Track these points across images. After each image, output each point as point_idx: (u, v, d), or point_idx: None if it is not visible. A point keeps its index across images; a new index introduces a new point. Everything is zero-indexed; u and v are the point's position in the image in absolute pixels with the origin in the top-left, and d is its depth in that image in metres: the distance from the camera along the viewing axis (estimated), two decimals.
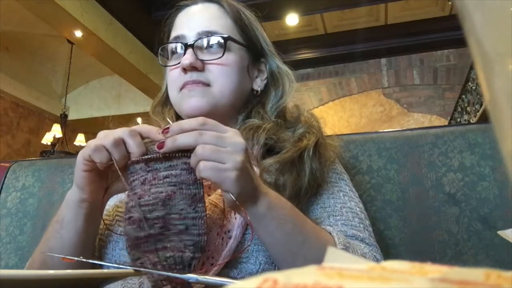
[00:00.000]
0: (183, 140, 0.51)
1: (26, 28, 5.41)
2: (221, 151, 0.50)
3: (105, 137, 0.54)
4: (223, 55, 0.71)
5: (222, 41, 0.71)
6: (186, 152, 0.52)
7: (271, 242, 0.57)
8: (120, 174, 0.53)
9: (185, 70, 0.70)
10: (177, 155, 0.52)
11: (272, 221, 0.55)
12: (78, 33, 4.29)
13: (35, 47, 5.96)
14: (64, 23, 4.11)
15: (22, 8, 3.99)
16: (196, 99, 0.70)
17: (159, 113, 0.79)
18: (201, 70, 0.70)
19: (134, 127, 0.55)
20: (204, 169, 0.49)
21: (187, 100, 0.70)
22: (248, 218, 0.54)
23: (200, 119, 0.52)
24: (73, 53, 5.75)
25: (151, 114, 0.80)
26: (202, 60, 0.70)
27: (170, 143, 0.51)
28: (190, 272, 0.49)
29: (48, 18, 4.05)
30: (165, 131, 0.53)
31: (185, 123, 0.53)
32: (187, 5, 0.78)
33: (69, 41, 5.22)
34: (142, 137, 0.55)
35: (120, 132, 0.54)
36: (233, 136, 0.52)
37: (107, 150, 0.53)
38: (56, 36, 5.15)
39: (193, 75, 0.70)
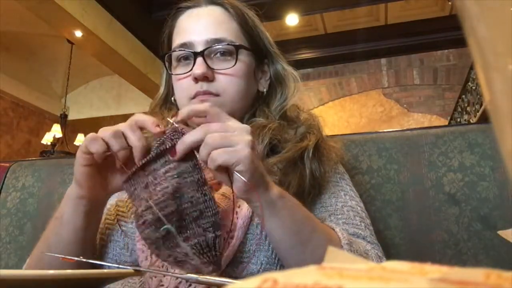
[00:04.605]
0: (191, 138, 0.52)
1: (26, 28, 5.40)
2: (229, 136, 0.51)
3: (104, 130, 0.55)
4: (235, 64, 0.71)
5: (233, 49, 0.71)
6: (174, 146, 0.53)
7: (281, 231, 0.56)
8: (122, 165, 0.55)
9: (196, 79, 0.69)
10: (167, 149, 0.53)
11: (283, 210, 0.55)
12: (78, 33, 4.28)
13: (35, 47, 5.96)
14: (64, 23, 4.10)
15: (22, 8, 3.99)
16: None
17: (158, 115, 0.79)
18: (212, 80, 0.70)
19: (133, 118, 0.55)
20: (218, 156, 0.50)
21: None
22: (260, 203, 0.54)
23: (207, 104, 0.54)
24: (73, 53, 5.74)
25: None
26: (212, 70, 0.70)
27: (181, 147, 0.52)
28: (217, 253, 0.51)
29: (48, 18, 4.05)
30: (160, 133, 0.54)
31: (194, 106, 0.55)
32: (189, 7, 0.76)
33: (69, 41, 5.21)
34: (142, 129, 0.55)
35: (120, 125, 0.55)
36: (236, 122, 0.54)
37: (105, 141, 0.54)
38: (56, 36, 5.14)
39: (203, 85, 0.70)
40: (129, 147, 0.54)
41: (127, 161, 0.56)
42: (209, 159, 0.50)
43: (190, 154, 0.53)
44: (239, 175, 0.51)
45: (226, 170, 0.51)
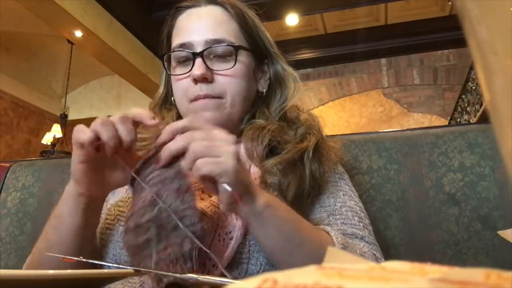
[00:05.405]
0: (175, 146, 0.52)
1: (26, 28, 5.40)
2: (214, 146, 0.51)
3: (94, 121, 0.54)
4: (234, 64, 0.70)
5: (232, 50, 0.71)
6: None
7: (268, 241, 0.56)
8: (116, 157, 0.54)
9: (195, 80, 0.69)
10: (152, 156, 0.53)
11: (270, 219, 0.55)
12: (78, 33, 4.28)
13: (35, 47, 5.96)
14: (64, 23, 4.10)
15: (22, 8, 3.99)
16: (210, 112, 0.70)
17: (158, 115, 0.79)
18: (211, 81, 0.70)
19: (127, 112, 0.55)
20: (202, 165, 0.50)
21: (201, 113, 0.70)
22: (243, 216, 0.54)
23: (186, 120, 0.54)
24: (73, 53, 5.74)
25: None
26: (212, 70, 0.70)
27: (165, 154, 0.52)
28: (193, 265, 0.49)
29: (48, 18, 4.05)
30: (154, 126, 0.54)
31: (174, 125, 0.54)
32: (189, 7, 0.75)
33: (69, 41, 5.21)
34: (136, 123, 0.55)
35: (112, 117, 0.54)
36: (220, 132, 0.53)
37: (94, 130, 0.53)
38: (56, 36, 5.14)
39: (203, 87, 0.69)
40: (120, 140, 0.54)
41: (120, 152, 0.55)
42: (193, 167, 0.50)
43: (175, 161, 0.53)
44: (225, 186, 0.50)
45: (211, 178, 0.51)
